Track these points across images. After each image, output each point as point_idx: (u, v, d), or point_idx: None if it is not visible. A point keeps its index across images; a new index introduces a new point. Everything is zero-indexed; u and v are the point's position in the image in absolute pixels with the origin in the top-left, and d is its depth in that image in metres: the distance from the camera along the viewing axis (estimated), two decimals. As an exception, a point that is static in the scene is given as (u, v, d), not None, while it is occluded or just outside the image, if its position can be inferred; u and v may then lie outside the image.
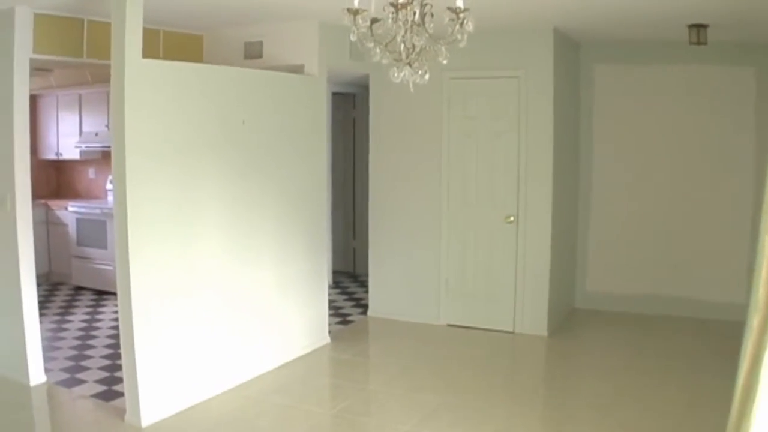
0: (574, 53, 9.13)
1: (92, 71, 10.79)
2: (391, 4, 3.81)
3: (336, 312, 9.53)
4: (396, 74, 4.03)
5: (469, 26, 3.85)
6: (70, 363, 7.54)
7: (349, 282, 11.60)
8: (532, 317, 8.44)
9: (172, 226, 6.17)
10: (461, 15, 3.82)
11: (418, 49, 3.96)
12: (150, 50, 5.96)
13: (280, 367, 7.41)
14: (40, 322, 7.01)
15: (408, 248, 9.08)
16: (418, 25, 3.89)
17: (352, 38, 3.95)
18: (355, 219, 12.15)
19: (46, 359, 7.18)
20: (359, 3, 3.89)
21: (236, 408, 6.40)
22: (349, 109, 11.95)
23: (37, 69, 7.33)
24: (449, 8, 3.81)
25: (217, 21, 7.79)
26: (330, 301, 8.48)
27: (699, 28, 7.47)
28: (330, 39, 7.83)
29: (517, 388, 6.89)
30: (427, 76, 4.09)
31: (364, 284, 10.80)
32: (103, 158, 11.64)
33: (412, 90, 4.24)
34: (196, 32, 8.33)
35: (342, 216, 12.11)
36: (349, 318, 9.44)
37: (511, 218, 8.40)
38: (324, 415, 6.30)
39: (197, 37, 8.37)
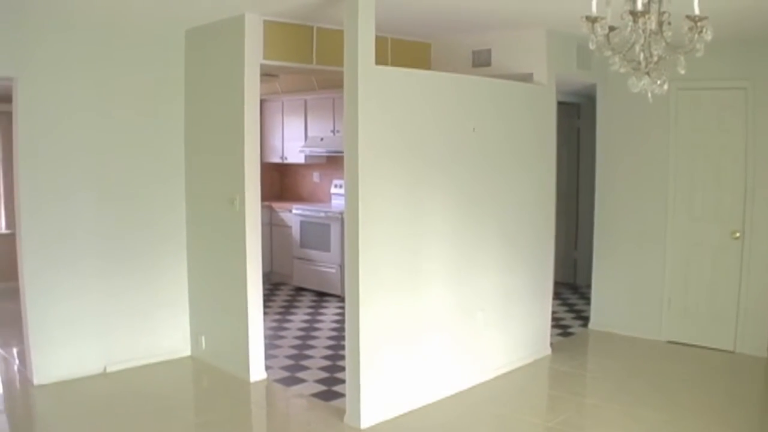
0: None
1: (318, 77, 11.08)
2: (630, 12, 3.70)
3: (557, 323, 9.34)
4: (635, 84, 3.93)
5: (708, 35, 3.68)
6: (290, 362, 7.76)
7: (569, 293, 11.33)
8: (753, 337, 8.00)
9: (400, 232, 6.21)
10: (699, 23, 3.67)
11: (656, 58, 3.84)
12: (379, 57, 6.03)
13: (499, 377, 7.33)
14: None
15: (632, 261, 8.83)
16: (656, 34, 3.78)
17: (591, 46, 3.86)
18: (578, 230, 11.89)
19: (267, 357, 7.43)
20: (596, 11, 3.81)
21: (454, 415, 6.37)
22: (574, 119, 11.66)
23: (264, 75, 7.59)
24: (688, 16, 3.67)
25: (445, 29, 7.80)
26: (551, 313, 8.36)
27: None
28: (557, 47, 7.67)
29: (734, 410, 6.52)
30: (666, 86, 3.98)
31: (584, 296, 10.65)
32: (327, 163, 11.97)
33: (650, 100, 4.13)
34: (424, 40, 8.39)
35: (564, 226, 11.77)
36: (570, 330, 9.25)
37: (737, 234, 8.04)
38: (541, 426, 6.17)
39: (425, 45, 8.43)
